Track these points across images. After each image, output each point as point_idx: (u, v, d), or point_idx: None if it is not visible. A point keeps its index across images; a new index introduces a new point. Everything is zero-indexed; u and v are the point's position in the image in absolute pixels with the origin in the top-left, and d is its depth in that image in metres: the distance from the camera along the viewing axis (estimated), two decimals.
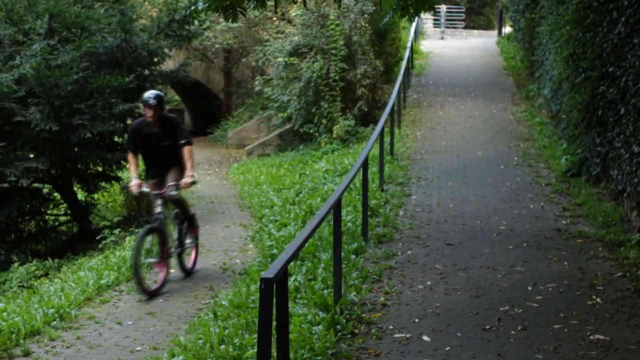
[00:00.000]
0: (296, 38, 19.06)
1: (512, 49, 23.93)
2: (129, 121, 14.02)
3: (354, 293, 7.01)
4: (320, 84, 17.48)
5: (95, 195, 14.77)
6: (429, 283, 7.44)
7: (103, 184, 14.21)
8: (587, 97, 10.87)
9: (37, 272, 11.39)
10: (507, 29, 29.29)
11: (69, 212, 14.62)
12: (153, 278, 8.66)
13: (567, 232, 9.08)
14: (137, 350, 6.69)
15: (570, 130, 12.38)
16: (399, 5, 9.17)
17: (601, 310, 6.56)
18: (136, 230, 12.49)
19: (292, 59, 18.32)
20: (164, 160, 8.65)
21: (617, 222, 9.28)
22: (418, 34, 26.93)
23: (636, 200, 9.00)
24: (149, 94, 8.51)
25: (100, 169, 14.18)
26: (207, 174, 19.23)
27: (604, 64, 10.12)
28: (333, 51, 17.65)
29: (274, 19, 24.01)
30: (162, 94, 8.65)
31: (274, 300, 4.47)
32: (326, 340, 5.79)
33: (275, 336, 4.77)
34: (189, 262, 9.30)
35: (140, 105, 8.65)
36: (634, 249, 8.13)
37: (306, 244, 7.66)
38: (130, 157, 8.68)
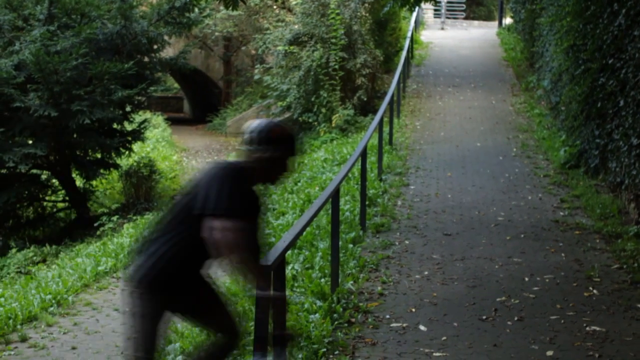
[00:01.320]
0: (296, 27, 19.00)
1: (513, 40, 23.86)
2: (128, 108, 14.00)
3: (351, 282, 7.02)
4: (320, 73, 17.44)
5: (94, 182, 14.77)
6: (426, 273, 7.45)
7: (102, 170, 14.21)
8: (587, 88, 10.86)
9: (34, 258, 11.41)
10: (508, 20, 29.19)
11: (67, 198, 14.62)
12: None
13: (564, 224, 9.08)
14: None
15: (569, 122, 12.37)
16: None
17: (597, 301, 6.58)
18: (134, 218, 12.49)
19: (292, 47, 18.27)
20: None
21: (614, 214, 9.28)
22: (418, 24, 26.83)
23: (634, 193, 9.01)
24: None
25: (98, 155, 14.19)
26: (206, 162, 19.23)
27: (604, 55, 10.10)
28: (333, 40, 17.60)
29: (274, 7, 23.95)
30: None
31: (272, 288, 4.48)
32: (323, 329, 5.80)
33: (272, 324, 4.77)
34: None
35: None
36: (631, 241, 8.13)
37: (304, 233, 7.67)
38: None
